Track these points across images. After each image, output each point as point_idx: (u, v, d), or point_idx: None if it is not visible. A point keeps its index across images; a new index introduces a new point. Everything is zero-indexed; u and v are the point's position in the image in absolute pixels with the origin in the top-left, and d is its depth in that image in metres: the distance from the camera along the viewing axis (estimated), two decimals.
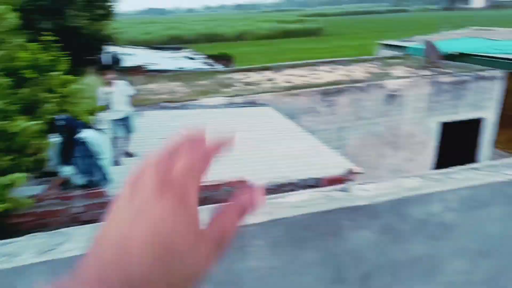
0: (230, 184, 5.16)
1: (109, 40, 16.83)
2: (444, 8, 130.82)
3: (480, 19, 57.73)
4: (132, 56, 20.34)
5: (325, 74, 12.70)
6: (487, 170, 1.34)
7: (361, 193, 1.21)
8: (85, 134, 4.93)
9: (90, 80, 11.89)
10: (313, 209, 1.13)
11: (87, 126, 5.22)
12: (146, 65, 16.98)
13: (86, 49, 14.66)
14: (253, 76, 13.04)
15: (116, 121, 6.39)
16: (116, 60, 16.38)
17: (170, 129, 8.08)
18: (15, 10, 6.41)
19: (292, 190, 4.66)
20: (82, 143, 4.82)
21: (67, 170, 4.85)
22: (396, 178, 1.33)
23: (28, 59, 6.74)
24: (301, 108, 10.25)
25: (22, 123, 4.25)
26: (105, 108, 6.35)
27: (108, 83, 6.27)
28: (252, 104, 9.92)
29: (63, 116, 5.05)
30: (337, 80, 11.55)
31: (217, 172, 5.73)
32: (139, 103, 10.38)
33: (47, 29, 13.49)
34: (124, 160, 6.36)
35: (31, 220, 4.49)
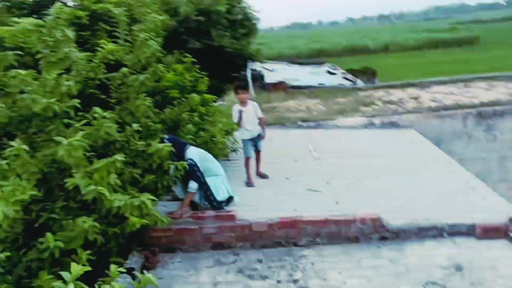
0: (362, 220, 4.66)
1: (252, 57, 17.45)
2: None
3: None
4: (275, 72, 20.83)
5: (482, 92, 11.18)
6: None
7: None
8: (190, 153, 4.94)
9: (230, 98, 12.37)
10: None
11: (189, 144, 5.21)
12: (287, 81, 17.15)
13: (230, 67, 15.40)
14: (396, 94, 12.14)
15: (247, 141, 6.34)
16: (258, 76, 16.90)
17: (304, 150, 7.85)
18: (166, 33, 6.81)
19: (436, 236, 3.94)
20: (189, 163, 4.84)
21: (192, 188, 4.87)
22: None
23: (173, 79, 7.16)
24: (451, 133, 9.10)
25: (156, 144, 4.40)
26: (238, 126, 6.32)
27: (243, 102, 6.19)
28: (394, 125, 9.15)
29: (166, 136, 5.10)
30: (497, 100, 10.03)
31: (350, 203, 5.28)
32: (276, 121, 10.40)
33: (195, 49, 14.59)
34: (256, 181, 6.25)
35: (169, 236, 4.65)
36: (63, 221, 3.95)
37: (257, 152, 6.44)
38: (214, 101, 8.65)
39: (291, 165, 7.10)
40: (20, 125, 4.08)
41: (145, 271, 3.18)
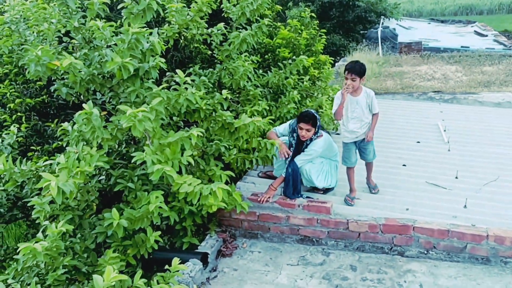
0: (499, 239, 3.57)
1: (387, 12, 15.63)
2: None
3: None
4: (411, 31, 18.62)
5: None
6: None
7: None
8: (314, 145, 4.23)
9: (354, 58, 11.17)
10: None
11: (323, 132, 4.41)
12: (423, 41, 15.13)
13: (359, 23, 13.98)
14: None
15: (348, 145, 4.42)
16: (390, 35, 15.16)
17: (432, 130, 6.60)
18: None
19: None
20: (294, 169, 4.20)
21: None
22: None
23: (286, 37, 6.40)
24: None
25: (244, 118, 3.77)
26: (336, 119, 4.42)
27: (352, 88, 4.08)
28: None
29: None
30: None
31: (483, 211, 4.15)
32: (403, 89, 9.09)
33: (323, 2, 13.43)
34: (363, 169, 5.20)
35: (251, 220, 4.13)
36: (138, 192, 3.64)
37: (367, 164, 4.63)
38: (332, 63, 7.71)
39: (412, 148, 5.90)
40: (105, 82, 3.76)
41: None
